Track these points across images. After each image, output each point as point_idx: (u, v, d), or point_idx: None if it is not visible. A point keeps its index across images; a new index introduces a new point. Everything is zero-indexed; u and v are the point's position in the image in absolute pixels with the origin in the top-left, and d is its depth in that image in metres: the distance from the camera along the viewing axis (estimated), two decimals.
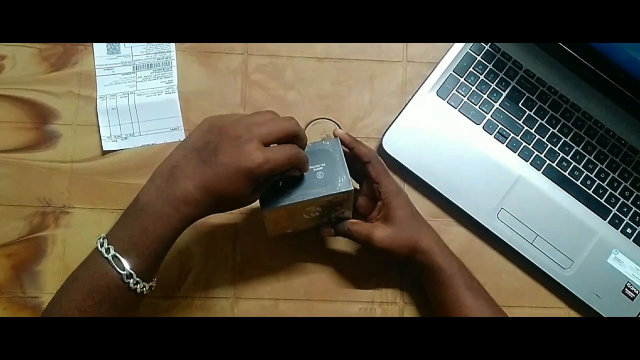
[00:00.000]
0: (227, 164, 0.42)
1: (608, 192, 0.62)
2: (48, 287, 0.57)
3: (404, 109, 0.61)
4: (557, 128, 0.62)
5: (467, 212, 0.60)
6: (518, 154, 0.62)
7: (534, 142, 0.62)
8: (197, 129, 0.46)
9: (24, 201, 0.59)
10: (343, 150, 0.51)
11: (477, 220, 0.60)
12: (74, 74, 0.61)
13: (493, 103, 0.62)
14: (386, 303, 0.60)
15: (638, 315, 0.60)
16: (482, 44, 0.63)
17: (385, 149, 0.60)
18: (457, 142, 0.61)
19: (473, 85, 0.62)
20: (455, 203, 0.60)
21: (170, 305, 0.58)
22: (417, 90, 0.62)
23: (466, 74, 0.62)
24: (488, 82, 0.63)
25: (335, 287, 0.59)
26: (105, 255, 0.42)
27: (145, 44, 0.62)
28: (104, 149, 0.60)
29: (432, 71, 0.62)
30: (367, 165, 0.54)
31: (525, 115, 0.62)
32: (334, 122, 0.59)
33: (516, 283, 0.61)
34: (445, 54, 0.63)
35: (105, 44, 0.62)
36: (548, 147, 0.62)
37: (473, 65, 0.63)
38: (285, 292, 0.59)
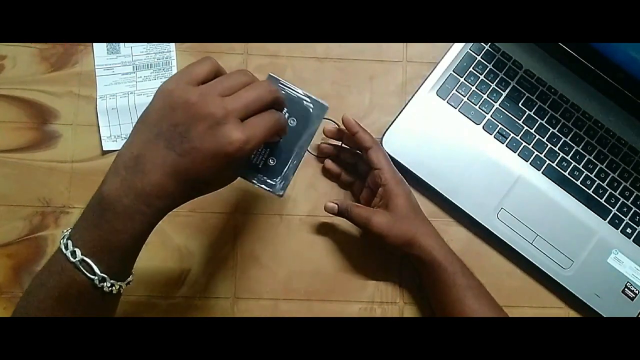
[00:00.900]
0: (203, 149, 0.37)
1: (608, 192, 0.62)
2: None
3: (403, 109, 0.61)
4: (557, 128, 0.62)
5: (467, 212, 0.60)
6: (518, 154, 0.62)
7: (534, 142, 0.62)
8: (154, 103, 0.39)
9: (24, 201, 0.59)
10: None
11: (477, 220, 0.60)
12: (74, 74, 0.61)
13: (493, 103, 0.62)
14: (386, 303, 0.60)
15: (638, 315, 0.60)
16: (482, 44, 0.63)
17: (385, 148, 0.60)
18: (457, 142, 0.61)
19: (473, 85, 0.62)
20: (455, 203, 0.60)
21: (170, 305, 0.58)
22: (417, 90, 0.62)
23: (466, 74, 0.62)
24: (488, 82, 0.63)
25: (335, 287, 0.60)
26: (72, 260, 0.38)
27: (145, 44, 0.62)
28: (104, 149, 0.60)
29: (432, 71, 0.62)
30: (369, 150, 0.55)
31: (525, 115, 0.62)
32: (334, 122, 0.59)
33: (516, 283, 0.61)
34: (445, 54, 0.63)
35: (105, 44, 0.62)
36: (548, 147, 0.62)
37: (473, 65, 0.63)
38: (285, 292, 0.59)
